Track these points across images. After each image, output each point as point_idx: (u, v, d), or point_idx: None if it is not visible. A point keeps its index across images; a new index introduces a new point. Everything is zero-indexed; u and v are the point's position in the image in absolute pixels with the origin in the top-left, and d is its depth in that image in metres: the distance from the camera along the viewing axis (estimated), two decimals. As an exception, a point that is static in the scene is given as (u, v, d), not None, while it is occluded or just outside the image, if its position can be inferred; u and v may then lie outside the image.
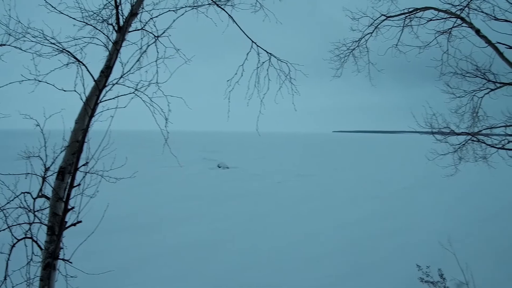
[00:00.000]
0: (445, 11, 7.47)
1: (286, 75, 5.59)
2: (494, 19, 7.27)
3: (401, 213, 18.18)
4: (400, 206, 19.90)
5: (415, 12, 7.38)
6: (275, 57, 5.64)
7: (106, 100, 4.71)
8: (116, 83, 4.84)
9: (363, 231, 14.75)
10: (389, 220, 16.53)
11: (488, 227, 15.07)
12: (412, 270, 8.10)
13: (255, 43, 5.67)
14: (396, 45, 7.63)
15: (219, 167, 38.57)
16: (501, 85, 7.70)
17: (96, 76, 4.57)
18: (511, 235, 13.63)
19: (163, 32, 5.12)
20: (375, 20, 7.47)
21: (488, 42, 7.26)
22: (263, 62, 5.66)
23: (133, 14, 4.85)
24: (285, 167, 39.57)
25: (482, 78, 7.66)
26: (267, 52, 5.67)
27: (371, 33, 7.59)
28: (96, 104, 4.64)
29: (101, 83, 4.70)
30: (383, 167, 42.38)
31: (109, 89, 4.78)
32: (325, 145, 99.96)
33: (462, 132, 7.75)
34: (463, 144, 7.78)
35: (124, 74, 4.84)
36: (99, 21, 4.70)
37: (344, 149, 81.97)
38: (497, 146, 7.71)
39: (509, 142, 7.67)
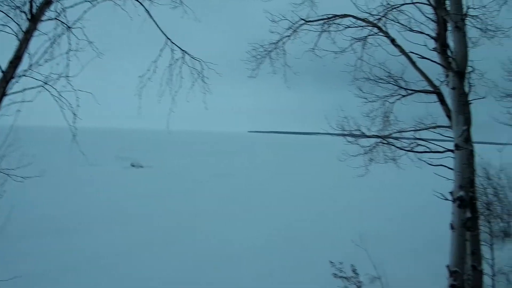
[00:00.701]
0: (363, 20, 8.32)
1: (199, 73, 5.95)
2: (409, 30, 8.26)
3: (317, 212, 19.68)
4: (316, 205, 21.48)
5: (334, 18, 8.13)
6: (189, 54, 5.94)
7: (13, 93, 4.74)
8: (24, 74, 4.87)
9: (281, 230, 15.82)
10: (305, 219, 17.85)
11: (399, 225, 16.88)
12: (328, 267, 8.97)
13: (169, 39, 5.90)
14: (313, 49, 8.34)
15: (133, 166, 38.00)
16: (412, 92, 8.73)
17: (4, 66, 4.60)
18: (420, 232, 15.39)
19: (75, 23, 5.23)
20: (294, 24, 8.08)
21: (402, 51, 8.21)
22: (177, 59, 5.95)
23: (47, 2, 4.91)
24: (200, 166, 40.46)
25: (394, 84, 8.65)
26: (181, 50, 5.94)
27: (289, 36, 8.21)
28: (3, 96, 4.66)
29: (9, 74, 4.71)
30: (298, 167, 44.93)
31: (17, 81, 4.81)
32: (240, 144, 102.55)
33: (373, 135, 8.73)
34: (374, 146, 8.77)
35: (32, 65, 4.89)
36: (12, 7, 4.69)
37: (258, 148, 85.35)
38: (406, 149, 8.76)
39: (417, 145, 8.76)
